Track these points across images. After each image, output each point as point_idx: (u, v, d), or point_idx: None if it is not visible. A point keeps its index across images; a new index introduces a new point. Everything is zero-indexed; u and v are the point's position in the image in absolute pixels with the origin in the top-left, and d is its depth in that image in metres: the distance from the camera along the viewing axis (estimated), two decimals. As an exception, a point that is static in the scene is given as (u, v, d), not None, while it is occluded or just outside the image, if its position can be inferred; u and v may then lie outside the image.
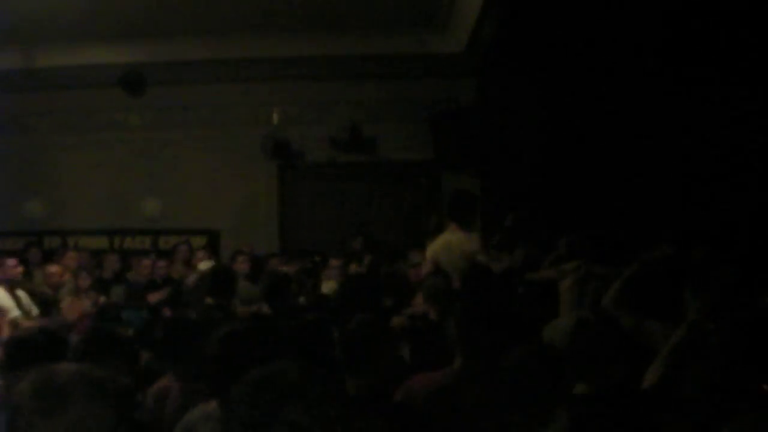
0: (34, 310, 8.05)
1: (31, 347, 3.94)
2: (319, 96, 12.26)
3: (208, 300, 6.65)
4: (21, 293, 8.13)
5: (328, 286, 8.96)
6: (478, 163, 11.37)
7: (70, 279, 9.04)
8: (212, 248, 11.73)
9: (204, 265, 9.67)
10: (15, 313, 7.70)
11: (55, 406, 2.19)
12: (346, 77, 12.08)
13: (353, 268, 9.23)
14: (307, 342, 4.29)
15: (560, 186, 8.84)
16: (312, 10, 10.66)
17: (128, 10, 10.48)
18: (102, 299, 8.90)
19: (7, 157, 12.17)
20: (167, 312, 8.15)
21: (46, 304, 8.23)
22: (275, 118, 12.00)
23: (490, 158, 10.84)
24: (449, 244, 6.97)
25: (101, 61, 11.70)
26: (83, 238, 12.53)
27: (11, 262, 8.36)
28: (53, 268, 9.14)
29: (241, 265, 9.07)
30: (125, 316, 8.47)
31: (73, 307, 7.85)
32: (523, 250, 7.72)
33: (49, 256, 10.64)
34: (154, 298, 9.07)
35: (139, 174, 12.48)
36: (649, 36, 7.07)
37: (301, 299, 8.14)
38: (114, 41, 11.50)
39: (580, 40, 7.90)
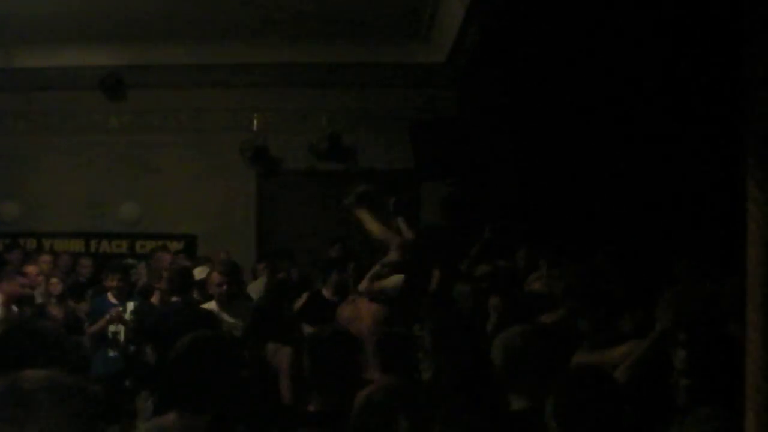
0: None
1: None
2: (300, 103, 12.25)
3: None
4: None
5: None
6: (457, 173, 11.40)
7: (42, 282, 8.94)
8: (189, 253, 11.68)
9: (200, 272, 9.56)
10: None
11: (21, 414, 2.16)
12: (327, 85, 12.08)
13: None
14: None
15: (539, 196, 8.89)
16: (294, 18, 10.66)
17: (109, 13, 10.43)
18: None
19: (-17, 157, 12.12)
20: None
21: (21, 303, 8.14)
22: (255, 124, 11.97)
23: (469, 168, 10.87)
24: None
25: (81, 63, 11.66)
26: (59, 241, 12.44)
27: None
28: (31, 268, 9.02)
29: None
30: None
31: None
32: (525, 251, 7.72)
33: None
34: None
35: (117, 177, 12.41)
36: (629, 49, 7.13)
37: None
38: (94, 43, 11.46)
39: (561, 52, 7.95)
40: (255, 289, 9.27)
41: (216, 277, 7.61)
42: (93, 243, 12.61)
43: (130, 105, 11.79)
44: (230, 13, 10.57)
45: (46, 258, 10.17)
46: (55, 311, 8.26)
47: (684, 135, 6.70)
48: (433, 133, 11.28)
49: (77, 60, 11.66)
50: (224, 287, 7.48)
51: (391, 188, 12.05)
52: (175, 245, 12.05)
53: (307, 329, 6.24)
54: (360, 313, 5.91)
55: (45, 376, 2.30)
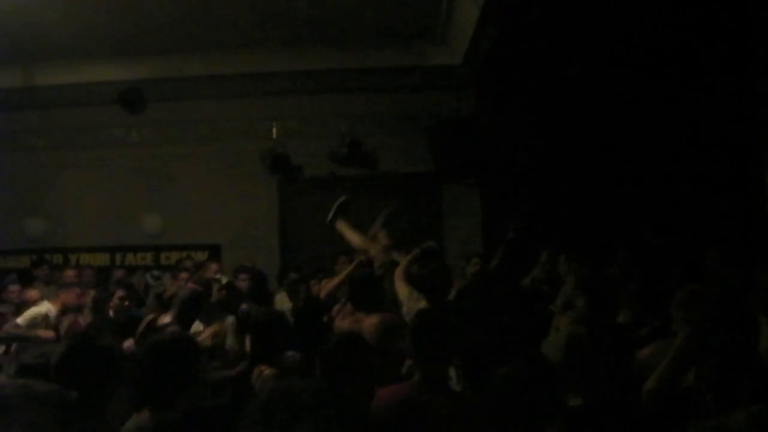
0: None
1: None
2: (318, 110, 12.28)
3: None
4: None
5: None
6: (477, 174, 11.40)
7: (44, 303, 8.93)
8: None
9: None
10: None
11: (0, 418, 2.25)
12: (344, 91, 12.10)
13: None
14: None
15: (559, 195, 8.88)
16: (310, 24, 10.70)
17: (127, 28, 10.53)
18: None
19: (8, 175, 12.26)
20: None
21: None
22: (274, 132, 12.02)
23: (488, 169, 10.87)
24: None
25: (100, 78, 11.76)
26: (85, 255, 12.57)
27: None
28: (32, 293, 9.03)
29: (242, 283, 9.05)
30: None
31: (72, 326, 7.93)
32: (548, 252, 7.72)
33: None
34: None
35: (139, 190, 12.51)
36: (644, 47, 7.12)
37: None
38: (113, 58, 11.56)
39: (577, 51, 7.95)
40: (281, 298, 9.29)
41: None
42: (118, 256, 12.73)
43: (150, 118, 11.84)
44: (247, 24, 10.63)
45: (69, 273, 10.24)
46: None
47: (704, 129, 6.69)
48: (452, 134, 11.28)
49: (96, 76, 11.76)
50: None
51: (412, 191, 12.17)
52: (200, 255, 12.11)
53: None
54: (361, 326, 5.90)
55: (22, 383, 2.40)
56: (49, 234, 12.63)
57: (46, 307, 8.22)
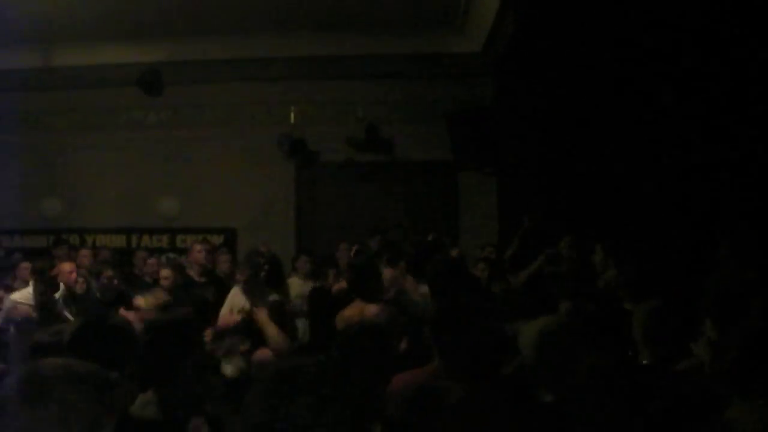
0: None
1: None
2: (336, 95, 12.27)
3: None
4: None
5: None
6: (494, 163, 11.37)
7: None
8: (230, 247, 11.75)
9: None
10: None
11: (38, 398, 2.27)
12: (363, 77, 12.08)
13: None
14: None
15: (577, 185, 8.83)
16: (330, 9, 10.68)
17: (146, 10, 10.53)
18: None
19: (26, 155, 12.30)
20: None
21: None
22: (292, 117, 12.02)
23: (507, 158, 10.83)
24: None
25: (119, 60, 11.78)
26: (101, 237, 12.62)
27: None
28: (65, 265, 9.05)
29: (224, 265, 9.48)
30: None
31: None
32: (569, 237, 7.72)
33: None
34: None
35: (156, 173, 12.54)
36: (666, 37, 7.06)
37: None
38: (132, 41, 11.58)
39: (597, 39, 7.90)
40: (295, 283, 9.29)
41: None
42: (134, 238, 12.77)
43: (168, 101, 11.86)
44: (265, 7, 10.61)
45: (85, 253, 10.25)
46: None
47: (725, 120, 6.64)
48: (470, 123, 11.25)
49: (115, 58, 11.79)
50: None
51: (429, 179, 12.16)
52: (216, 239, 12.15)
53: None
54: (364, 315, 5.90)
55: (62, 363, 2.40)
56: (66, 215, 12.68)
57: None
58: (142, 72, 11.30)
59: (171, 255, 11.42)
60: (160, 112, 12.72)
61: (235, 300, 7.18)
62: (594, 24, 7.78)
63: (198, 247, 9.48)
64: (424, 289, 6.62)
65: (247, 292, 7.05)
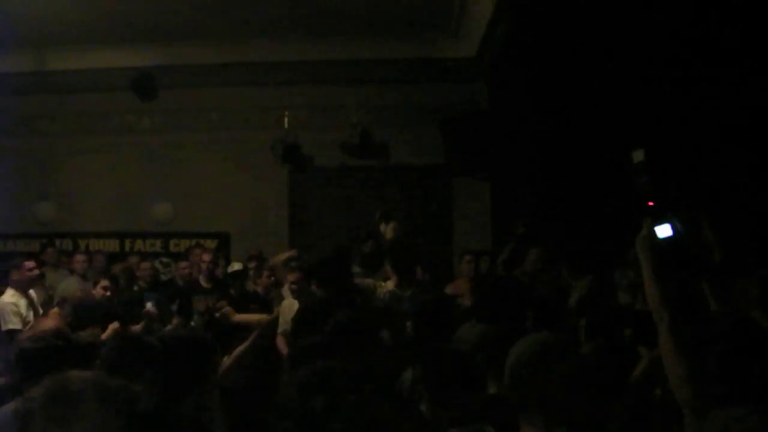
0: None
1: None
2: (330, 100, 12.25)
3: None
4: (33, 293, 8.17)
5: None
6: (488, 168, 11.35)
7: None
8: (223, 251, 11.73)
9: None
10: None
11: (67, 414, 2.20)
12: (357, 82, 12.06)
13: None
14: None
15: (570, 191, 8.82)
16: (323, 14, 10.67)
17: (139, 14, 10.53)
18: None
19: (19, 159, 12.27)
20: None
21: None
22: (286, 122, 12.00)
23: (500, 163, 10.82)
24: None
25: (112, 64, 11.76)
26: (94, 241, 12.57)
27: (29, 264, 8.33)
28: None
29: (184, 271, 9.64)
30: None
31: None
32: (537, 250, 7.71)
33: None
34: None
35: (149, 177, 12.51)
36: (660, 42, 7.06)
37: None
38: (125, 45, 11.57)
39: (591, 44, 7.89)
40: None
41: None
42: (128, 242, 12.73)
43: (161, 105, 11.82)
44: (259, 12, 10.60)
45: (79, 258, 10.21)
46: None
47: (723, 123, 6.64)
48: (464, 127, 11.24)
49: (109, 62, 11.77)
50: None
51: (423, 184, 12.15)
52: (209, 243, 12.11)
53: None
54: None
55: (90, 377, 2.34)
56: (59, 219, 12.65)
57: (15, 298, 8.02)
58: (136, 76, 11.27)
59: (164, 260, 11.40)
60: (154, 116, 12.68)
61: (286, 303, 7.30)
62: (588, 29, 7.77)
63: (207, 256, 9.47)
64: None
65: (296, 292, 7.12)
